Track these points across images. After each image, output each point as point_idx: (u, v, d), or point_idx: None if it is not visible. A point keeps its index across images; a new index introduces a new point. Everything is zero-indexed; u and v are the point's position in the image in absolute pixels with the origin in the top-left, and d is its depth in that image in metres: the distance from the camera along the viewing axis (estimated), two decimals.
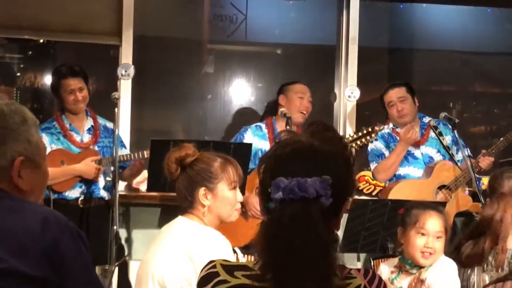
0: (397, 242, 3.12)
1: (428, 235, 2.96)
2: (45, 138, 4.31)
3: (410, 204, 3.19)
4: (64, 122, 4.45)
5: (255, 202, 4.14)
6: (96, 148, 4.46)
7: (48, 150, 4.30)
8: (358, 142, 4.42)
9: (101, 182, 4.41)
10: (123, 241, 4.70)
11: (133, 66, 4.77)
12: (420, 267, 2.98)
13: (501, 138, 4.71)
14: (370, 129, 4.41)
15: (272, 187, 1.51)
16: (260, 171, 1.59)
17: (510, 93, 6.37)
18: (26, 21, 5.09)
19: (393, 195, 4.47)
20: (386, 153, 4.73)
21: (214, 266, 1.57)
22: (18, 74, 5.56)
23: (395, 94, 4.74)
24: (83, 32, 5.19)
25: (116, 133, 4.29)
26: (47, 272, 1.64)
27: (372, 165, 4.76)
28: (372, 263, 3.58)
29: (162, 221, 4.69)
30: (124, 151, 4.52)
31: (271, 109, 4.91)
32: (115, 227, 3.94)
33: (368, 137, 4.41)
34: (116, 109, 4.35)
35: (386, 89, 4.83)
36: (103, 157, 4.41)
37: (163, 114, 5.79)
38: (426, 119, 4.81)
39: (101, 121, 4.59)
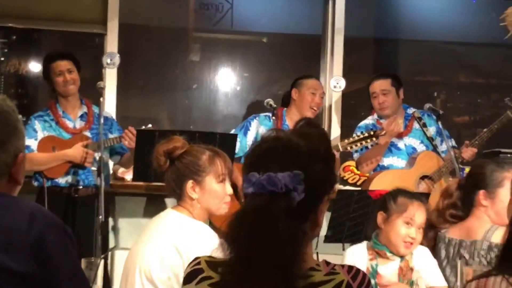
0: (375, 227, 3.07)
1: (414, 225, 2.95)
2: (38, 125, 4.36)
3: (395, 190, 3.14)
4: (58, 109, 4.45)
5: None
6: (89, 135, 4.45)
7: (41, 136, 4.35)
8: (358, 144, 4.45)
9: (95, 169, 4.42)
10: (108, 231, 4.69)
11: (118, 55, 4.76)
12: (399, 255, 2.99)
13: (484, 129, 4.71)
14: (372, 133, 4.45)
15: (244, 182, 1.53)
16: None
17: (494, 84, 6.40)
18: (11, 9, 5.06)
19: (375, 184, 4.48)
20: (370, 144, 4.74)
21: (199, 263, 1.59)
22: (2, 59, 5.51)
23: (379, 86, 4.74)
24: (68, 21, 5.16)
25: (102, 120, 4.26)
26: (33, 268, 1.65)
27: (356, 156, 4.78)
28: None
29: (148, 210, 4.70)
30: None
31: (285, 101, 4.90)
32: (100, 217, 3.93)
33: (368, 140, 4.44)
34: (101, 98, 4.35)
35: (372, 78, 4.84)
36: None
37: (148, 103, 5.78)
38: (411, 110, 4.82)
39: (96, 110, 4.57)
